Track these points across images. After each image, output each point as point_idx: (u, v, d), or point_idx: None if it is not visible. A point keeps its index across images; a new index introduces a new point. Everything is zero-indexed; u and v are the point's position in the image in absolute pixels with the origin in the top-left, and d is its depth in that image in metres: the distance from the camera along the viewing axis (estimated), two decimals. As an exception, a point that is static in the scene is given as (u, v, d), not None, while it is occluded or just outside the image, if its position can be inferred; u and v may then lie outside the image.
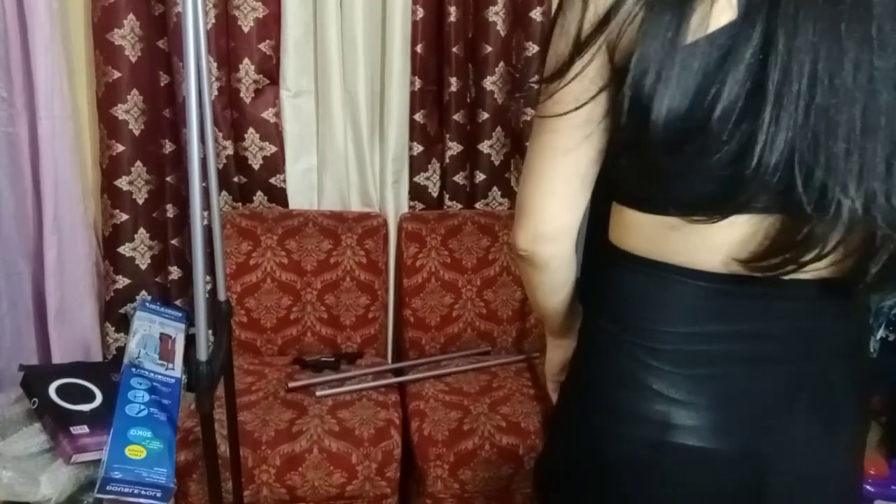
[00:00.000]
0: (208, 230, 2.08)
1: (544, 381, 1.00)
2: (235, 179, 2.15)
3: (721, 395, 0.72)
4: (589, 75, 0.66)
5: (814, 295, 0.70)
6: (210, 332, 2.22)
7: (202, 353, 1.15)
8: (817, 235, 0.62)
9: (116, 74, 1.97)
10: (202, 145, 2.03)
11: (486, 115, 2.20)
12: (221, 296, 1.50)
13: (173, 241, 2.13)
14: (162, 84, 2.05)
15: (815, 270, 0.66)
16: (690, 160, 0.63)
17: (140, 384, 1.73)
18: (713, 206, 0.64)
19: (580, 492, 0.80)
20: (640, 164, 0.68)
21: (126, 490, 1.43)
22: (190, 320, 1.71)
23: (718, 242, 0.68)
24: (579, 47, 0.65)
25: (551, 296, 0.85)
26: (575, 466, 0.80)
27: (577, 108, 0.67)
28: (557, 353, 0.95)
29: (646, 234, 0.72)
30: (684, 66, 0.60)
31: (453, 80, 2.14)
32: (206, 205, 2.05)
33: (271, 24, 2.06)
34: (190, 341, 1.60)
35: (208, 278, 2.12)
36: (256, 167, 2.14)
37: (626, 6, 0.62)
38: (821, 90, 0.58)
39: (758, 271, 0.67)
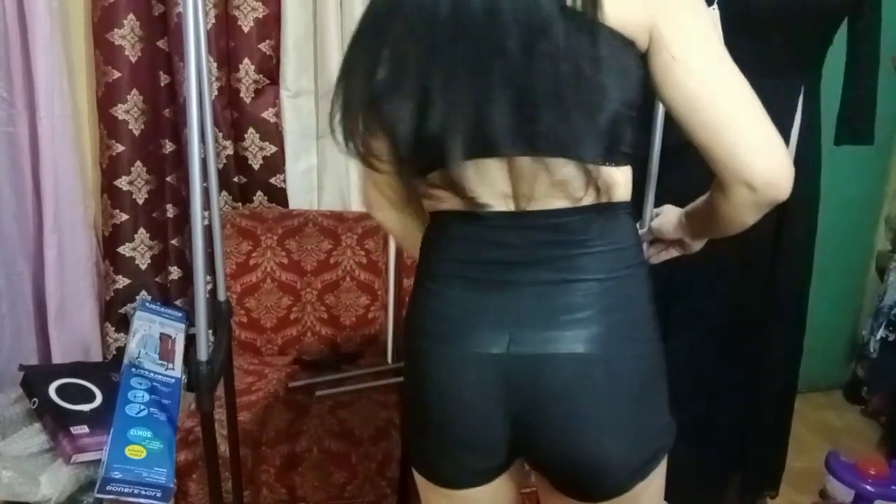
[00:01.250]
0: (208, 230, 2.09)
1: None
2: (235, 179, 2.15)
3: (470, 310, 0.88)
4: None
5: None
6: (210, 332, 2.22)
7: (202, 353, 1.15)
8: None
9: (116, 74, 1.97)
10: (202, 145, 2.03)
11: (486, 115, 2.20)
12: (221, 296, 1.50)
13: (173, 241, 2.13)
14: (162, 84, 2.05)
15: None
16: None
17: (140, 384, 1.73)
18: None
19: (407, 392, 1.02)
20: None
21: (126, 490, 1.43)
22: (190, 320, 1.71)
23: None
24: None
25: (400, 241, 1.14)
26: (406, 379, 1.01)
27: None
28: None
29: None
30: None
31: (453, 80, 2.14)
32: (206, 205, 2.05)
33: (271, 24, 2.06)
34: (190, 341, 1.60)
35: (208, 278, 2.12)
36: (256, 167, 2.14)
37: None
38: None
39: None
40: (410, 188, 0.91)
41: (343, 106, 0.88)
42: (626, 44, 0.78)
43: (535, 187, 0.82)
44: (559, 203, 0.83)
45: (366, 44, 0.84)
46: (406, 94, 0.80)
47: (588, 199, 0.83)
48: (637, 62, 0.80)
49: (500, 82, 0.77)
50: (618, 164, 0.84)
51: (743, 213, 0.85)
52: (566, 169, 0.81)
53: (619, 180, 0.85)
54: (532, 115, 0.78)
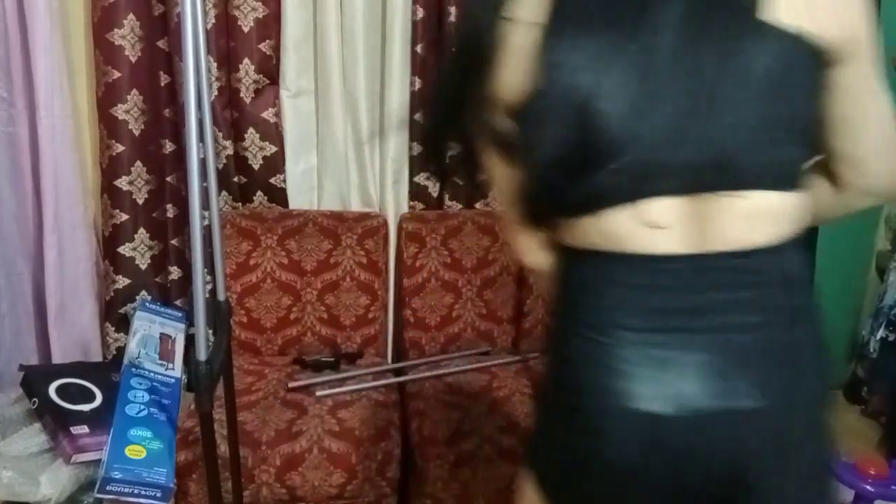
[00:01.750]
0: (208, 230, 2.09)
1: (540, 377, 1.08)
2: (235, 179, 2.15)
3: (671, 366, 0.77)
4: None
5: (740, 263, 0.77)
6: (210, 332, 2.22)
7: (201, 353, 1.15)
8: None
9: (116, 74, 1.97)
10: (202, 145, 2.03)
11: (486, 115, 2.20)
12: (221, 295, 1.50)
13: (173, 241, 2.13)
14: (162, 84, 2.05)
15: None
16: None
17: (140, 384, 1.73)
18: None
19: (575, 468, 0.86)
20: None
21: (126, 490, 1.43)
22: (190, 320, 1.71)
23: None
24: None
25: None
26: (553, 440, 0.88)
27: None
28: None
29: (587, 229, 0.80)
30: None
31: (453, 80, 2.14)
32: (206, 205, 2.05)
33: (271, 24, 2.06)
34: (190, 341, 1.60)
35: (208, 278, 2.12)
36: (256, 167, 2.14)
37: None
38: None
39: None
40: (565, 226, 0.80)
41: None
42: (819, 61, 0.74)
43: (720, 224, 0.74)
44: (744, 240, 0.75)
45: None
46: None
47: (776, 234, 0.76)
48: (821, 77, 0.76)
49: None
50: (801, 188, 0.77)
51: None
52: (761, 202, 0.74)
53: (804, 207, 0.78)
54: (736, 146, 0.72)
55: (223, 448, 1.62)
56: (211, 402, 1.19)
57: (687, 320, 0.76)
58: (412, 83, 2.14)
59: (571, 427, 0.82)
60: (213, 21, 2.00)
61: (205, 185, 2.04)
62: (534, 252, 0.89)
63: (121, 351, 2.04)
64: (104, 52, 1.96)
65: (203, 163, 2.02)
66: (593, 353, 0.79)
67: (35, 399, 1.62)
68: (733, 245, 0.75)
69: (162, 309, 2.06)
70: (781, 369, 0.76)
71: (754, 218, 0.74)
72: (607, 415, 0.77)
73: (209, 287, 2.17)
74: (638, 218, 0.75)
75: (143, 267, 2.10)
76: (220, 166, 2.08)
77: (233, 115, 2.10)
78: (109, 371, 1.82)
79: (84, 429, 1.58)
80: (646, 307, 0.77)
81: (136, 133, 2.02)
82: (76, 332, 2.02)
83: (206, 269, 2.20)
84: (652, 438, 0.76)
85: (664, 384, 0.75)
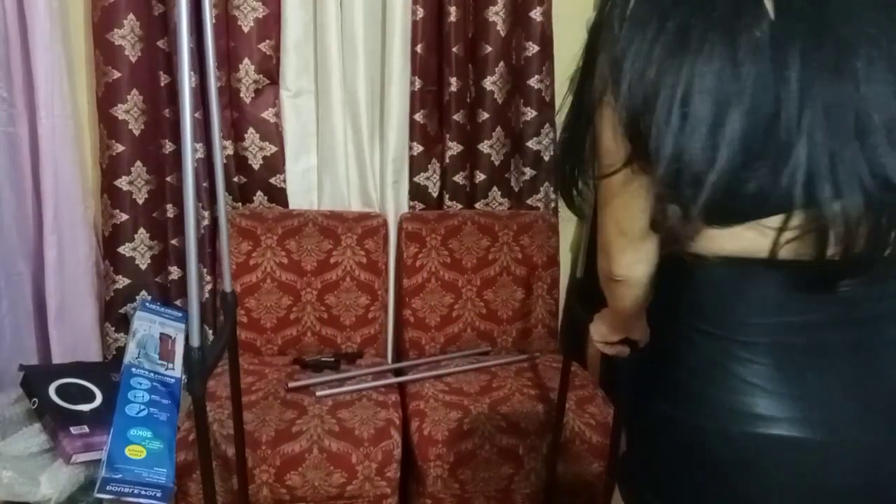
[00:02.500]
0: (212, 226, 2.08)
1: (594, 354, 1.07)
2: (235, 179, 2.15)
3: (814, 385, 0.72)
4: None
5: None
6: (211, 325, 2.21)
7: (195, 339, 1.15)
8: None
9: (116, 74, 1.97)
10: (205, 145, 2.03)
11: (486, 115, 2.20)
12: (227, 287, 1.50)
13: (173, 241, 2.13)
14: (162, 84, 2.05)
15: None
16: None
17: (140, 384, 1.73)
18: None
19: (676, 488, 0.80)
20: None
21: (126, 490, 1.43)
22: (190, 320, 1.71)
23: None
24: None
25: (627, 316, 0.96)
26: (668, 463, 0.81)
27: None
28: (608, 319, 1.05)
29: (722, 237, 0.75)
30: None
31: (453, 80, 2.14)
32: (212, 201, 2.05)
33: (271, 24, 2.06)
34: (190, 340, 1.59)
35: (208, 277, 2.12)
36: (256, 167, 2.14)
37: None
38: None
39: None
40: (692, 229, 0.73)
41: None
42: None
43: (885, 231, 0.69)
44: None
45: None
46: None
47: None
48: None
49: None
50: None
51: None
52: None
53: None
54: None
55: (224, 448, 1.63)
56: (203, 387, 1.19)
57: (838, 335, 0.72)
58: (412, 83, 2.14)
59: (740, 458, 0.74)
60: (213, 21, 2.00)
61: (206, 184, 2.05)
62: (637, 265, 0.83)
63: (121, 351, 2.04)
64: (104, 52, 1.96)
65: (207, 160, 2.03)
66: (741, 371, 0.73)
67: (35, 399, 1.62)
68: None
69: (162, 309, 2.07)
70: None
71: None
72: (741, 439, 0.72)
73: (208, 283, 2.18)
74: (775, 225, 0.71)
75: (143, 267, 2.10)
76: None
77: (233, 115, 2.10)
78: (109, 371, 1.82)
79: (84, 429, 1.58)
80: (795, 322, 0.73)
81: (136, 133, 2.02)
82: (76, 332, 2.02)
83: (209, 264, 2.21)
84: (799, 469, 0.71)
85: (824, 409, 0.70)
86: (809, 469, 0.72)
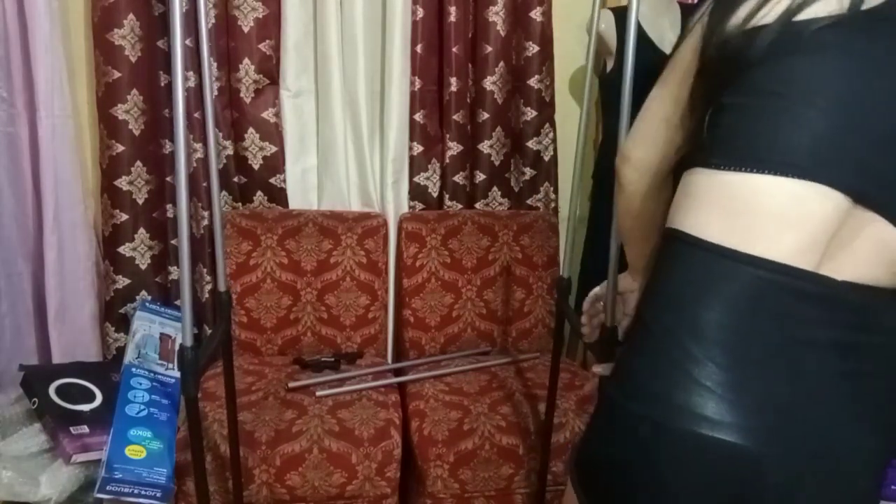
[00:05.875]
0: (209, 227, 2.08)
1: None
2: (235, 179, 2.15)
3: (765, 397, 0.70)
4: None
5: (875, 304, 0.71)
6: (213, 325, 2.21)
7: (187, 339, 1.15)
8: None
9: (116, 74, 1.97)
10: (203, 144, 2.03)
11: (486, 115, 2.20)
12: (222, 286, 1.50)
13: (173, 242, 2.13)
14: (162, 84, 2.05)
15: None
16: None
17: (140, 384, 1.73)
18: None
19: (618, 477, 0.79)
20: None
21: (126, 490, 1.43)
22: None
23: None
24: None
25: (624, 217, 1.00)
26: (614, 452, 0.80)
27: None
28: (621, 282, 1.17)
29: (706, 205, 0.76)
30: None
31: (453, 80, 2.14)
32: (209, 202, 2.05)
33: (271, 24, 2.06)
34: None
35: (208, 277, 2.12)
36: (256, 167, 2.14)
37: None
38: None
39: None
40: None
41: None
42: None
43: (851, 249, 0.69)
44: (870, 275, 0.70)
45: None
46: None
47: None
48: None
49: None
50: None
51: None
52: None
53: None
54: None
55: (223, 448, 1.63)
56: (196, 387, 1.19)
57: (786, 350, 0.71)
58: (412, 83, 2.14)
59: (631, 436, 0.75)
60: (213, 21, 2.00)
61: (205, 184, 2.05)
62: (641, 145, 0.91)
63: (121, 351, 2.04)
64: (104, 52, 1.96)
65: (205, 160, 2.03)
66: (689, 367, 0.71)
67: (35, 399, 1.62)
68: (849, 275, 0.70)
69: (162, 309, 2.07)
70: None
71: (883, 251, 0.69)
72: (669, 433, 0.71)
73: (208, 283, 2.18)
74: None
75: (143, 267, 2.10)
76: (220, 166, 2.08)
77: (233, 115, 2.10)
78: (109, 371, 1.83)
79: (84, 429, 1.58)
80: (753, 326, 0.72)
81: (136, 133, 2.02)
82: (76, 332, 2.02)
83: (209, 264, 2.21)
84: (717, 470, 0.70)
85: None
86: (739, 477, 0.70)
